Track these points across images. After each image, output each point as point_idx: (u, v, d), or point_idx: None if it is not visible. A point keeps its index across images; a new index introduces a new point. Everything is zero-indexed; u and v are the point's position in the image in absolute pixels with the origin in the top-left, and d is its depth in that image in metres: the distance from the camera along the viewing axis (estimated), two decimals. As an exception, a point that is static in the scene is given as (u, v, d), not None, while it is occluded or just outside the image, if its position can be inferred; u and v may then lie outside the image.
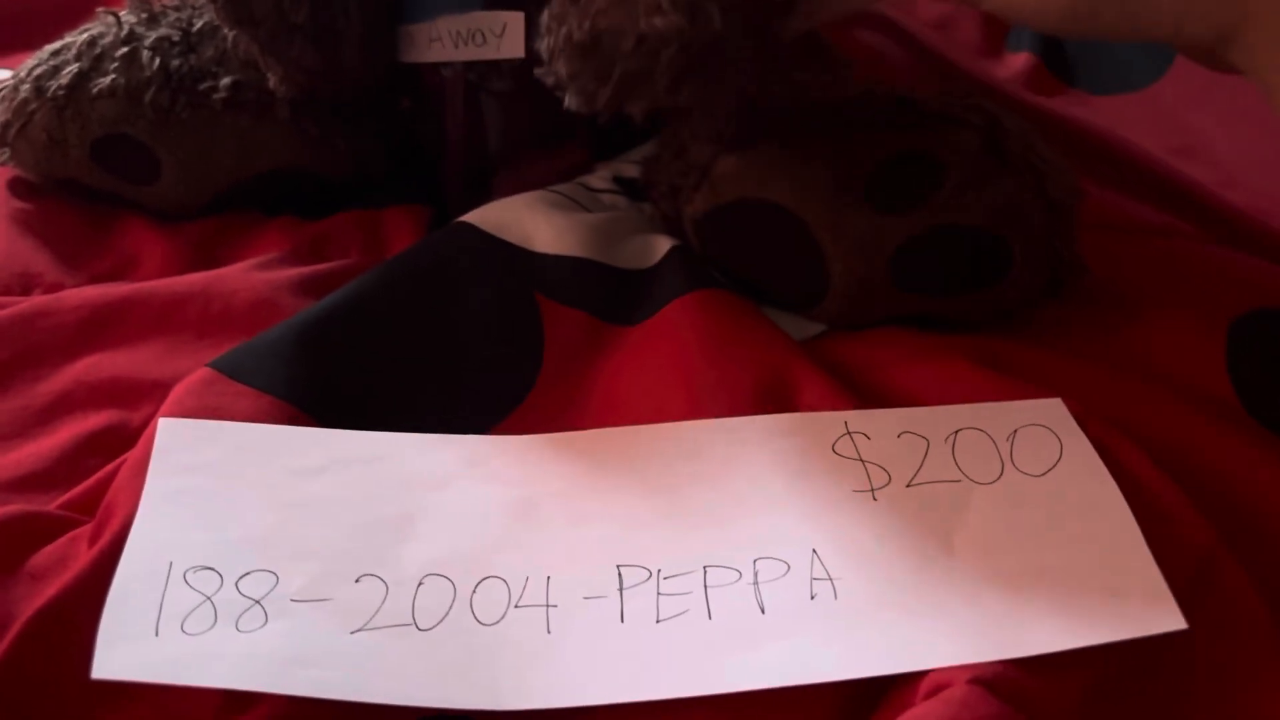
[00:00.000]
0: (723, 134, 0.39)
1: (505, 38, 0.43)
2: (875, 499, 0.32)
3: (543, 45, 0.34)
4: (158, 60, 0.44)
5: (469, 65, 0.44)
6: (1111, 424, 0.34)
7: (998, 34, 0.60)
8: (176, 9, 0.47)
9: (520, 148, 0.48)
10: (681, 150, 0.42)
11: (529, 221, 0.41)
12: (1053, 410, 0.34)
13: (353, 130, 0.48)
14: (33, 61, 0.45)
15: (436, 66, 0.44)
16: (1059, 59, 0.59)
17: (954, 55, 0.54)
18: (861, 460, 0.33)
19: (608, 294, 0.40)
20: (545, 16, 0.34)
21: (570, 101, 0.33)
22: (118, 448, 0.34)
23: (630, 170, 0.48)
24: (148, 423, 0.34)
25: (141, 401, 0.36)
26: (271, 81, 0.43)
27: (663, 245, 0.41)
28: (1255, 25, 0.29)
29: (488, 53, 0.43)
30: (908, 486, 0.32)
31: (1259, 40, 0.29)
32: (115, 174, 0.46)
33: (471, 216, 0.41)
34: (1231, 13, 0.29)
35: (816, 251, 0.38)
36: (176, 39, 0.46)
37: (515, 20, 0.43)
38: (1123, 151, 0.49)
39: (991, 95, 0.51)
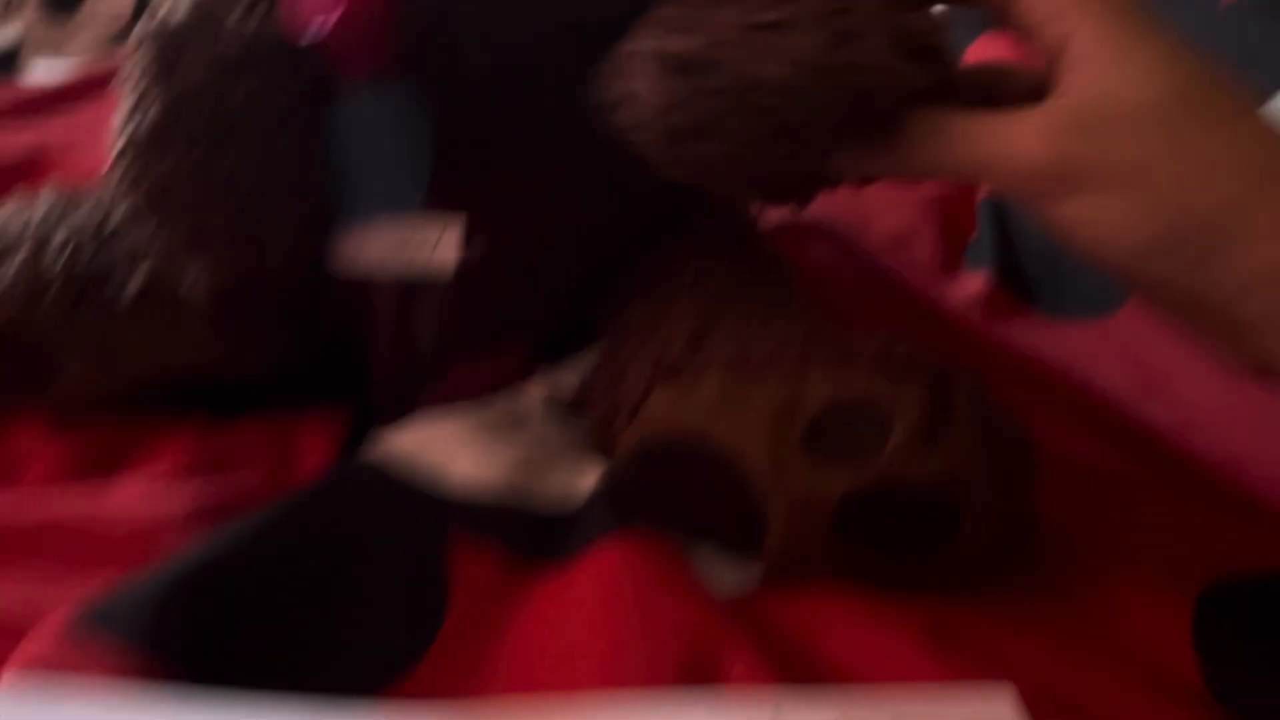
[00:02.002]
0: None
1: (439, 246, 0.41)
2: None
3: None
4: (65, 256, 0.42)
5: (401, 278, 0.42)
6: (1066, 712, 0.31)
7: (956, 250, 0.59)
8: (94, 199, 0.45)
9: (454, 355, 0.45)
10: (618, 377, 0.39)
11: (446, 449, 0.38)
12: (1002, 700, 0.31)
13: (274, 328, 0.45)
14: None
15: (368, 277, 0.42)
16: (1018, 278, 0.58)
17: (908, 277, 0.53)
18: (791, 756, 0.29)
19: (525, 533, 0.37)
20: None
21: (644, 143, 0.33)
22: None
23: (569, 383, 0.45)
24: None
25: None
26: (189, 279, 0.41)
27: (591, 476, 0.39)
28: None
29: (419, 261, 0.41)
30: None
31: None
32: (7, 375, 0.43)
33: (383, 447, 0.38)
34: None
35: (753, 500, 0.35)
36: (91, 230, 0.43)
37: (451, 227, 0.41)
38: (1080, 388, 0.47)
39: (944, 325, 0.50)
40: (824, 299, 0.50)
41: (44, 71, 0.80)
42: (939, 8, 0.34)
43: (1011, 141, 0.30)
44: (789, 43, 0.31)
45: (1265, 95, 0.52)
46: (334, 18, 0.37)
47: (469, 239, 0.41)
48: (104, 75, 0.78)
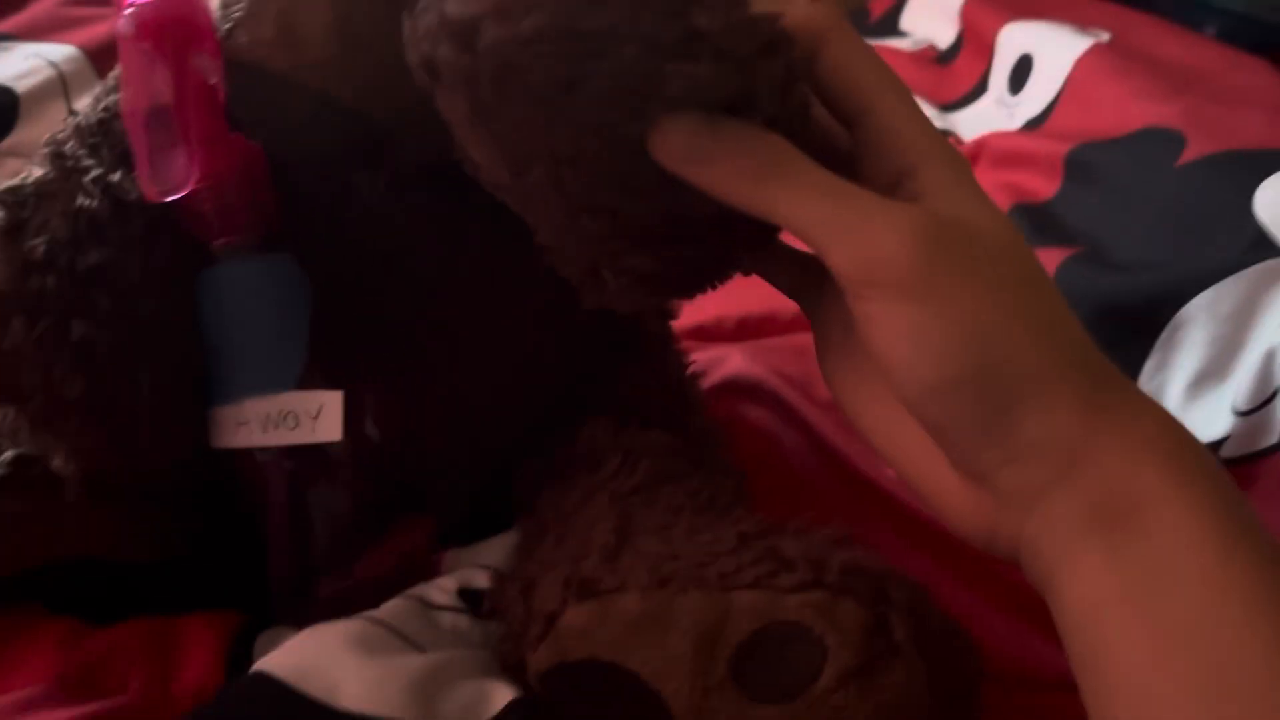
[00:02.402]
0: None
1: (321, 419, 0.38)
2: None
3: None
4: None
5: (286, 451, 0.38)
6: None
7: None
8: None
9: (350, 539, 0.42)
10: (530, 585, 0.36)
11: (339, 668, 0.34)
12: None
13: (156, 511, 0.41)
14: None
15: (250, 451, 0.39)
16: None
17: (848, 445, 0.50)
18: None
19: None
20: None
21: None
22: None
23: (479, 577, 0.41)
24: None
25: None
26: (55, 461, 0.37)
27: (499, 698, 0.35)
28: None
29: (301, 436, 0.38)
30: None
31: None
32: None
33: (272, 662, 0.34)
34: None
35: (675, 734, 0.31)
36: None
37: (332, 400, 0.38)
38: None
39: (884, 501, 0.47)
40: (758, 472, 0.47)
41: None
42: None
43: (869, 221, 0.27)
44: None
45: (1221, 246, 0.52)
46: (196, 185, 0.35)
47: (355, 410, 0.38)
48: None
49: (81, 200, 0.35)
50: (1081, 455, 0.27)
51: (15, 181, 0.35)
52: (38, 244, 0.34)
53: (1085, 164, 0.65)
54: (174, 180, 0.34)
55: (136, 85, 0.34)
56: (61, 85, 0.86)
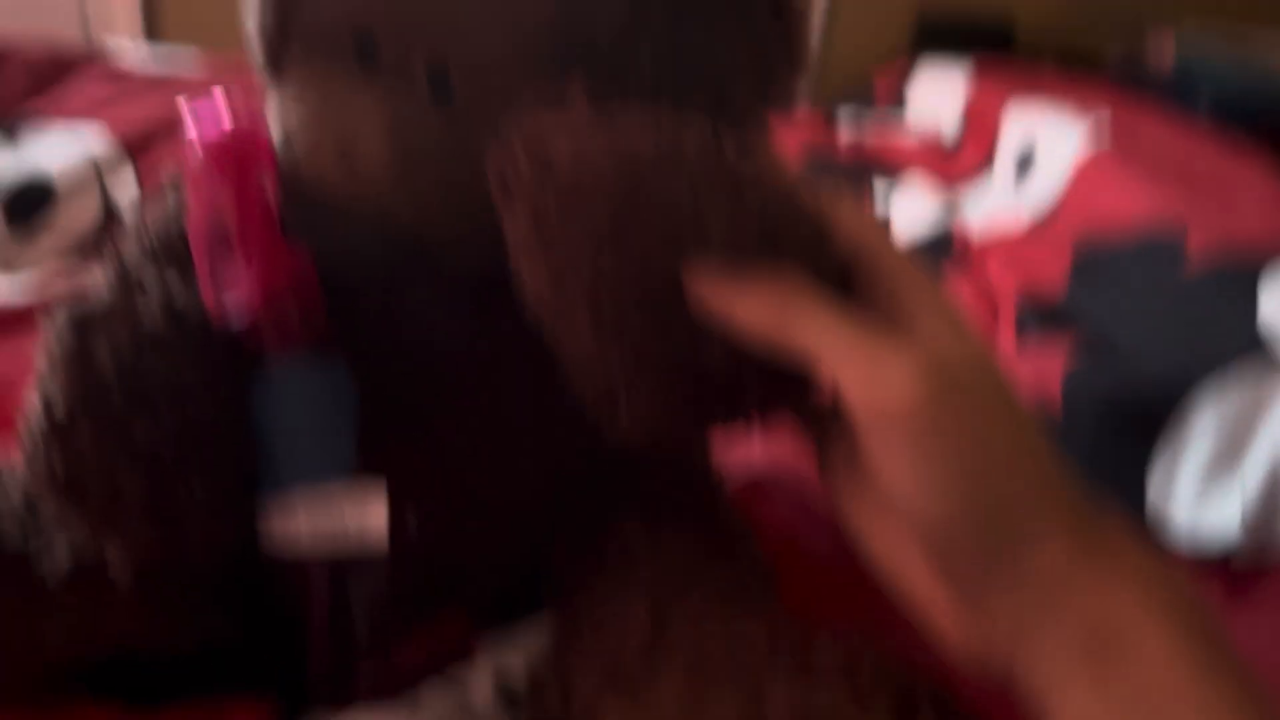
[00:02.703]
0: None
1: (367, 519, 0.40)
2: None
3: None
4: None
5: (332, 555, 0.40)
6: None
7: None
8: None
9: (390, 630, 0.43)
10: (567, 678, 0.37)
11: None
12: None
13: (200, 600, 0.43)
14: None
15: (298, 550, 0.40)
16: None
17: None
18: None
19: None
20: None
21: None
22: None
23: (515, 664, 0.43)
24: None
25: None
26: (110, 557, 0.39)
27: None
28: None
29: (346, 532, 0.40)
30: None
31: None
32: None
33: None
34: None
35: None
36: (17, 508, 0.41)
37: (377, 500, 0.39)
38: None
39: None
40: (781, 566, 0.48)
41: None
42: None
43: (883, 358, 0.30)
44: None
45: (1228, 356, 0.53)
46: (254, 299, 0.37)
47: (398, 508, 0.39)
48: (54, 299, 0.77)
49: (144, 312, 0.37)
50: (1070, 588, 0.29)
51: (83, 292, 0.37)
52: (106, 359, 0.36)
53: (1092, 261, 0.67)
54: (235, 298, 0.36)
55: (202, 208, 0.36)
56: (95, 170, 0.89)
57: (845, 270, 0.33)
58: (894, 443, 0.30)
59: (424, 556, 0.42)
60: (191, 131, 0.36)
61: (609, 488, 0.46)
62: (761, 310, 0.31)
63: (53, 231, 0.85)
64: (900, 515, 0.31)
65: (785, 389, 0.33)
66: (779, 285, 0.31)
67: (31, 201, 0.85)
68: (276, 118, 0.38)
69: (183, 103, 0.36)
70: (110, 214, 0.87)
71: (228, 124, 0.36)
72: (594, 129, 0.32)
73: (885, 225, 0.33)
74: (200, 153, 0.36)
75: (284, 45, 0.39)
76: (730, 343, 0.31)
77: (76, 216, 0.86)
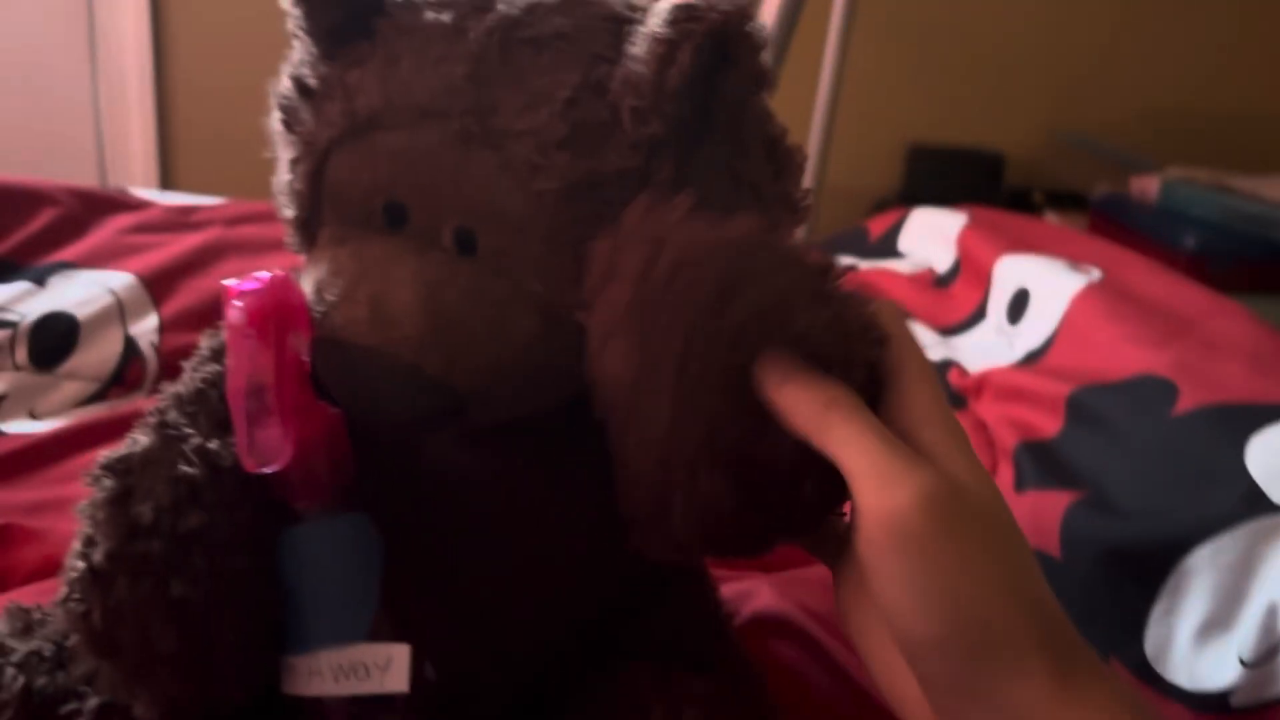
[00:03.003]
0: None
1: (389, 671, 0.41)
2: None
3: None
4: (21, 680, 0.41)
5: (352, 699, 0.41)
6: None
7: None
8: (56, 617, 0.44)
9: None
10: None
11: None
12: None
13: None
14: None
15: (319, 699, 0.41)
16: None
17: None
18: None
19: None
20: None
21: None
22: None
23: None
24: None
25: None
26: (137, 709, 0.40)
27: None
28: None
29: (371, 687, 0.40)
30: None
31: None
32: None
33: None
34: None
35: None
36: (48, 653, 0.42)
37: (400, 653, 0.40)
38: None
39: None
40: (790, 712, 0.49)
41: (16, 432, 0.80)
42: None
43: (900, 474, 0.31)
44: None
45: (1223, 502, 0.55)
46: (287, 454, 0.38)
47: (419, 659, 0.40)
48: (80, 433, 0.78)
49: (183, 468, 0.38)
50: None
51: (123, 450, 0.39)
52: (144, 509, 0.37)
53: (1085, 406, 0.69)
54: (270, 454, 0.38)
55: (240, 366, 0.38)
56: (119, 311, 0.92)
57: (886, 377, 0.36)
58: (891, 558, 0.31)
59: (439, 699, 0.43)
60: (232, 296, 0.39)
61: (621, 629, 0.47)
62: (808, 405, 0.33)
63: (75, 370, 0.87)
64: (894, 634, 0.32)
65: (835, 494, 0.35)
66: (828, 387, 0.33)
67: (56, 344, 0.87)
68: (309, 277, 0.41)
69: (226, 283, 0.39)
70: (130, 351, 0.90)
71: (265, 289, 0.39)
72: (699, 219, 0.35)
73: (915, 343, 0.36)
74: (243, 314, 0.38)
75: (316, 214, 0.42)
76: (795, 439, 0.34)
77: (97, 354, 0.88)
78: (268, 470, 0.38)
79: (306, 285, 0.41)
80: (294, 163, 0.42)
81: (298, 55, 0.41)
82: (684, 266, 0.34)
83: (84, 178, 1.86)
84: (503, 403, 0.40)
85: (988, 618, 0.31)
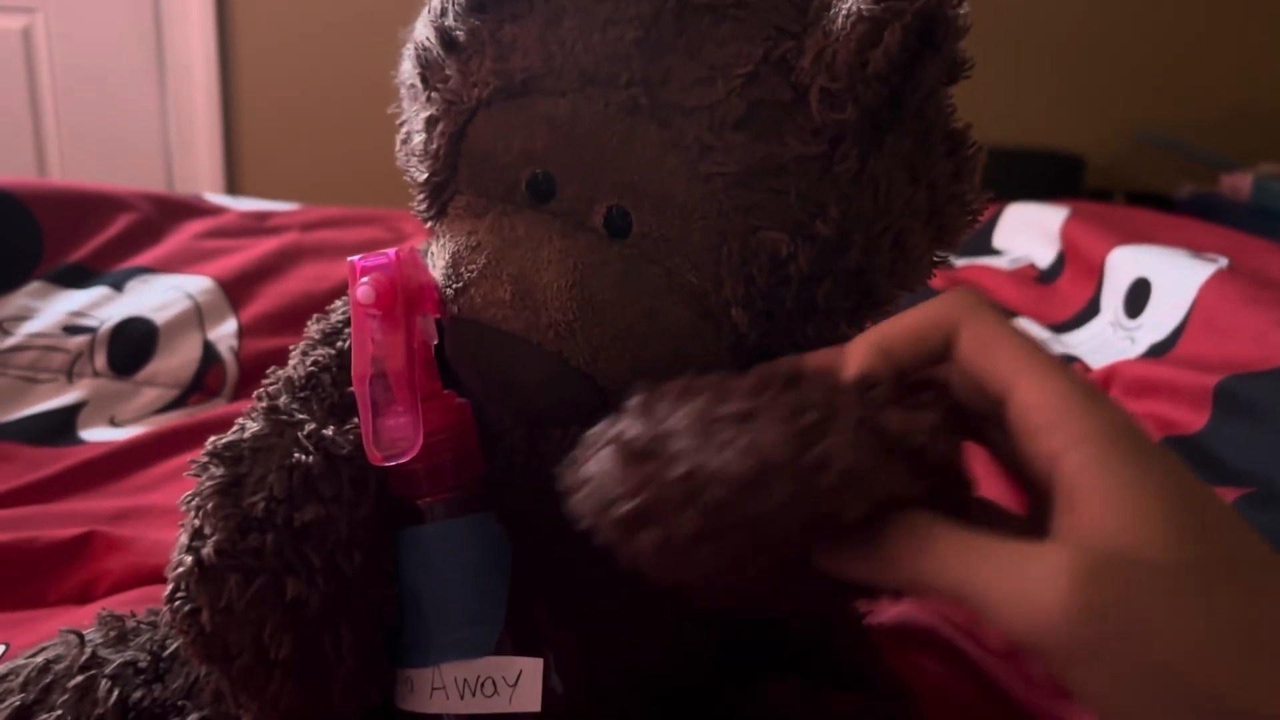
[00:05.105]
0: None
1: (520, 687, 0.37)
2: None
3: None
4: (116, 693, 0.38)
5: (475, 717, 0.37)
6: None
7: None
8: (151, 626, 0.41)
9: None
10: None
11: None
12: None
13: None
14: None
15: (438, 716, 0.38)
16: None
17: (1021, 692, 0.48)
18: None
19: None
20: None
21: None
22: None
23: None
24: None
25: None
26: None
27: None
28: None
29: (499, 705, 0.37)
30: None
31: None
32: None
33: None
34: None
35: None
36: (144, 664, 0.39)
37: (532, 668, 0.37)
38: None
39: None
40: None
41: (97, 440, 0.78)
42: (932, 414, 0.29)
43: (1018, 575, 0.25)
44: (750, 437, 0.27)
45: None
46: (414, 445, 0.35)
47: (547, 675, 0.37)
48: (160, 439, 0.76)
49: (297, 456, 0.35)
50: None
51: (232, 436, 0.36)
52: (256, 500, 0.34)
53: (1237, 396, 0.64)
54: (398, 445, 0.35)
55: (365, 350, 0.35)
56: (197, 315, 0.90)
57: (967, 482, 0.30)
58: (1059, 665, 0.25)
59: (569, 717, 0.40)
60: (360, 272, 0.36)
61: (764, 642, 0.43)
62: (884, 569, 0.28)
63: (154, 376, 0.85)
64: None
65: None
66: (895, 537, 0.28)
67: (135, 350, 0.86)
68: (440, 247, 0.37)
69: (352, 259, 0.36)
70: (210, 357, 0.88)
71: (393, 265, 0.36)
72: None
73: (1019, 339, 0.29)
74: (372, 293, 0.35)
75: (450, 186, 0.38)
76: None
77: (176, 359, 0.86)
78: (394, 463, 0.35)
79: (439, 257, 0.37)
80: (431, 121, 0.38)
81: (440, 3, 0.37)
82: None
83: (151, 184, 1.87)
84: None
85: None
